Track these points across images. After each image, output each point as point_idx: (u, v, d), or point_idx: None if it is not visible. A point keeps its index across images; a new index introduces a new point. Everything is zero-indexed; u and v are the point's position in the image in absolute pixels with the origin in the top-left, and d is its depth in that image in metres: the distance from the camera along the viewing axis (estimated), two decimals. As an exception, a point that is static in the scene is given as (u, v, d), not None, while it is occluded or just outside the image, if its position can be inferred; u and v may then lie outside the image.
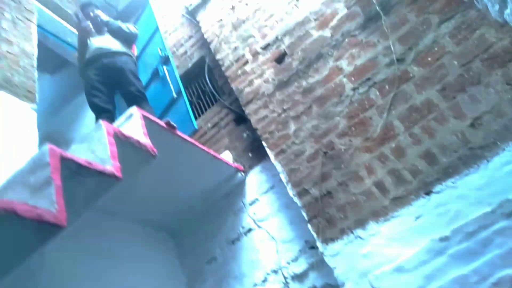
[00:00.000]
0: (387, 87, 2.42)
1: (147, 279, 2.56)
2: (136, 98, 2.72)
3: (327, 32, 2.78)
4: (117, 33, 2.98)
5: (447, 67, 2.26)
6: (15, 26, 2.94)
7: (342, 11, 2.76)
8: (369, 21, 2.63)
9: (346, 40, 2.68)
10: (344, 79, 2.60)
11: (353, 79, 2.57)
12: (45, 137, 2.74)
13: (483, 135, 2.06)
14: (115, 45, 2.93)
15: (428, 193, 2.10)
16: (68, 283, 1.97)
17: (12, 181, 1.27)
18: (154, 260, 2.80)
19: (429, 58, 2.34)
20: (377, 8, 2.57)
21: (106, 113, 2.65)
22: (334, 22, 2.78)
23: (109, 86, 2.81)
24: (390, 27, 2.51)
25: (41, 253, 1.41)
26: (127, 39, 3.08)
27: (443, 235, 1.94)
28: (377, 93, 2.45)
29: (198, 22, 3.58)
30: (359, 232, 2.22)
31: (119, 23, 3.03)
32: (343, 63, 2.64)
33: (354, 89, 2.54)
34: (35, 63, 2.90)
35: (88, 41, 2.96)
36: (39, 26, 3.37)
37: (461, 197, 2.00)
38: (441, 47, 2.31)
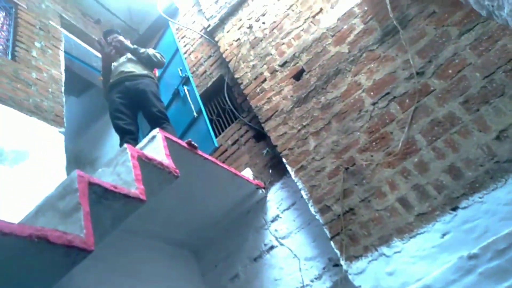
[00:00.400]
0: (407, 101, 2.40)
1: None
2: (158, 119, 2.79)
3: (344, 48, 2.80)
4: (146, 61, 3.09)
5: (469, 79, 2.22)
6: (44, 54, 3.10)
7: (359, 26, 2.77)
8: (386, 36, 2.63)
9: (364, 55, 2.68)
10: (363, 94, 2.59)
11: (372, 93, 2.56)
12: (72, 156, 2.85)
13: (509, 148, 2.00)
14: (137, 68, 3.04)
15: (454, 208, 2.05)
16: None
17: (43, 206, 1.32)
18: (178, 277, 2.82)
19: (450, 71, 2.31)
20: (394, 22, 2.57)
21: (129, 134, 2.73)
22: (351, 37, 2.79)
23: (132, 108, 2.90)
24: (408, 41, 2.50)
25: (69, 274, 1.46)
26: (155, 66, 3.20)
27: (471, 252, 1.88)
28: (397, 107, 2.43)
29: (216, 42, 3.67)
30: (383, 249, 2.17)
31: (148, 51, 3.13)
32: (362, 78, 2.64)
33: (373, 104, 2.53)
34: (63, 88, 3.04)
35: (112, 66, 3.08)
36: (65, 52, 3.54)
37: (489, 213, 1.94)
38: (462, 59, 2.28)
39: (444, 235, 2.02)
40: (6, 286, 1.04)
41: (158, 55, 3.16)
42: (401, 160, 2.30)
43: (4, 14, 3.20)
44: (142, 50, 3.13)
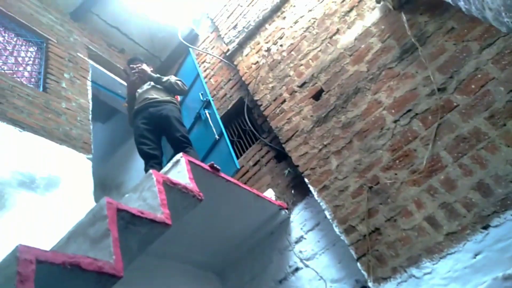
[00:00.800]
0: (430, 117, 2.37)
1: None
2: (181, 143, 2.86)
3: (362, 67, 2.81)
4: (169, 89, 3.21)
5: (493, 93, 2.18)
6: (73, 84, 3.26)
7: (377, 45, 2.78)
8: (405, 53, 2.62)
9: (383, 73, 2.68)
10: (384, 112, 2.58)
11: (393, 111, 2.54)
12: (98, 181, 2.94)
13: (541, 162, 1.93)
14: (160, 94, 3.15)
15: (485, 227, 1.98)
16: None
17: (74, 232, 1.37)
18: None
19: (473, 86, 2.27)
20: (412, 39, 2.57)
21: (153, 159, 2.81)
22: (369, 56, 2.80)
23: (156, 133, 3.00)
24: (428, 57, 2.49)
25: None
26: (177, 94, 3.30)
27: (506, 273, 1.80)
28: (420, 124, 2.40)
29: (236, 66, 3.76)
30: (413, 270, 2.11)
31: (170, 79, 3.25)
32: (382, 96, 2.63)
33: (395, 121, 2.51)
34: (90, 116, 3.17)
35: (136, 93, 3.20)
36: (92, 81, 3.70)
37: (524, 231, 1.86)
38: (484, 73, 2.25)
39: (476, 255, 1.94)
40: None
41: (180, 83, 3.27)
42: (426, 178, 2.25)
43: (36, 49, 3.40)
44: (164, 79, 3.25)
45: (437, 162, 2.25)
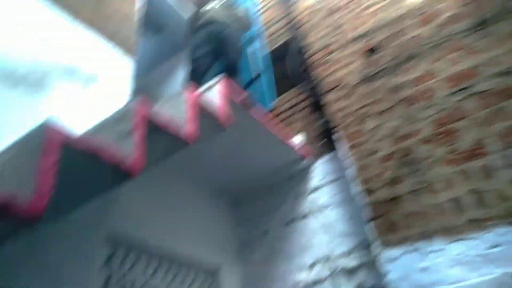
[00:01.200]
0: (486, 100, 2.18)
1: (202, 238, 2.73)
2: (230, 67, 2.91)
3: (426, 32, 2.57)
4: (238, 17, 3.17)
5: None
6: (126, -13, 3.21)
7: (448, 11, 2.52)
8: (478, 26, 2.36)
9: (447, 42, 2.45)
10: (438, 84, 2.40)
11: (448, 85, 2.35)
12: (137, 90, 3.00)
13: None
14: (226, 14, 3.16)
15: None
16: (134, 221, 2.21)
17: (102, 125, 1.41)
18: (212, 222, 2.96)
19: (546, 74, 2.04)
20: (491, 12, 2.29)
21: (196, 72, 2.87)
22: (436, 21, 2.55)
23: (211, 51, 3.03)
24: (503, 36, 2.23)
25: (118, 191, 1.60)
26: (241, 26, 3.26)
27: (519, 271, 1.74)
28: (474, 104, 2.21)
29: (291, 5, 3.55)
30: (422, 245, 2.07)
31: (239, 12, 3.26)
32: (439, 67, 2.43)
33: (447, 96, 2.33)
34: (139, 22, 3.18)
35: (204, 7, 3.20)
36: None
37: (552, 236, 1.75)
38: None
39: (493, 247, 1.87)
40: (62, 189, 1.13)
41: (246, 20, 3.25)
42: (464, 160, 2.12)
43: None
44: (237, 9, 3.26)
45: (480, 147, 2.10)
